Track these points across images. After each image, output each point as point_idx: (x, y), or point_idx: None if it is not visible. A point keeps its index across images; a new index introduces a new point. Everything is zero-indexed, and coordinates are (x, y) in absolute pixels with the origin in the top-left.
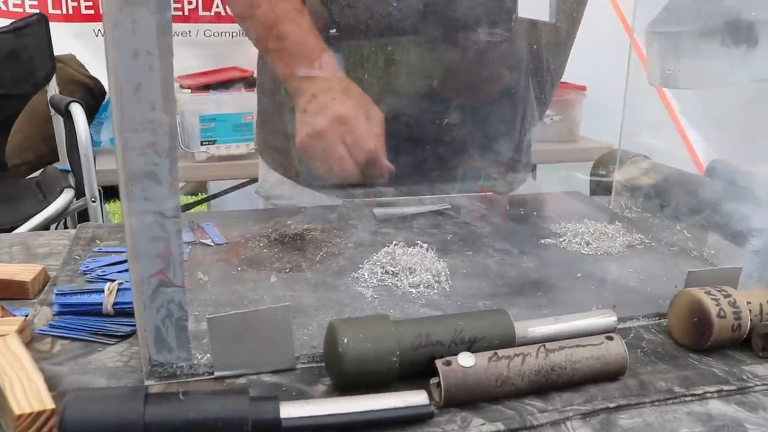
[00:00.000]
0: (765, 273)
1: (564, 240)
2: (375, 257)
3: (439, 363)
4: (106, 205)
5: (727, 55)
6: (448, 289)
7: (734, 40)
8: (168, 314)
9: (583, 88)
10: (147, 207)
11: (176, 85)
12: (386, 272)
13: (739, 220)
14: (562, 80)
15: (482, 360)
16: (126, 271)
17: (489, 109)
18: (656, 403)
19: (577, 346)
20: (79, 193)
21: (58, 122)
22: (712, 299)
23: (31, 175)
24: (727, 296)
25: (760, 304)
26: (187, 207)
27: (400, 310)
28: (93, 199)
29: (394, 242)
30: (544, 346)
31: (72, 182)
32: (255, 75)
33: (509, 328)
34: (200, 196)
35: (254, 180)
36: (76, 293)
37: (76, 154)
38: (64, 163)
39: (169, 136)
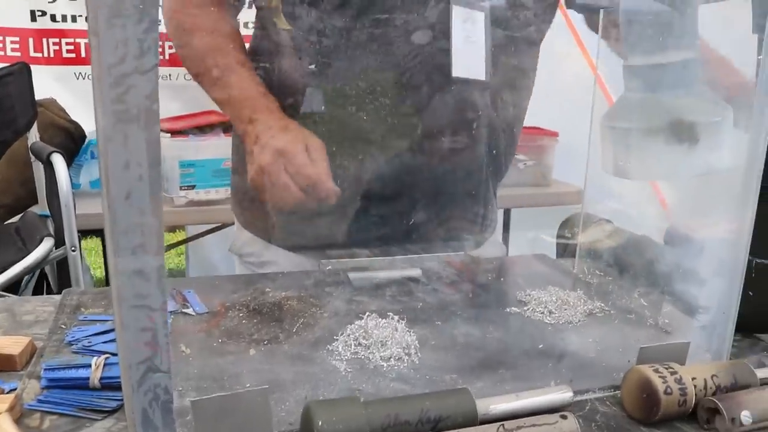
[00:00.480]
0: (712, 345)
1: (528, 309)
2: (349, 329)
3: None
4: (82, 240)
5: (671, 152)
6: (417, 362)
7: (677, 139)
8: (155, 397)
9: (556, 134)
10: (136, 302)
11: None
12: (359, 344)
13: (688, 297)
14: (535, 126)
15: None
16: (112, 341)
17: (457, 169)
18: None
19: (533, 425)
20: (59, 241)
21: (38, 168)
22: (660, 377)
23: (9, 220)
24: (673, 373)
25: (705, 380)
26: (167, 247)
27: (372, 384)
28: (73, 248)
29: (367, 313)
30: (503, 425)
31: (51, 229)
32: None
33: (471, 407)
34: (177, 234)
35: (232, 224)
36: (63, 368)
37: (56, 201)
38: (43, 207)
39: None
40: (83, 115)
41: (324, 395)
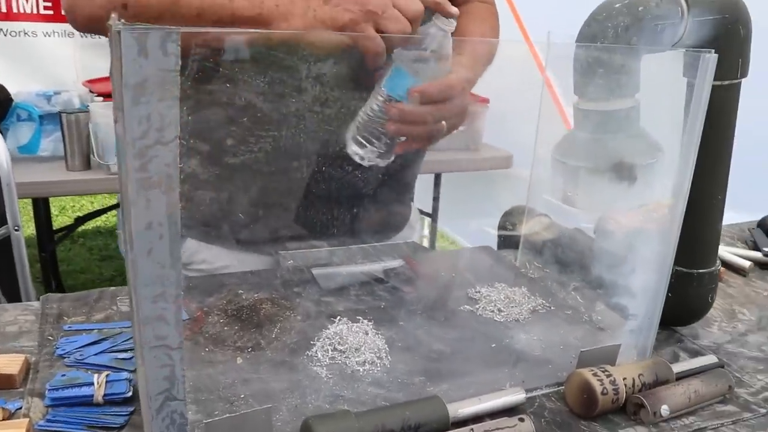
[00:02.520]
0: (639, 343)
1: (479, 307)
2: (324, 334)
3: None
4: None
5: (613, 188)
6: (388, 366)
7: (619, 178)
8: (171, 422)
9: (486, 100)
10: (156, 342)
11: (86, 90)
12: (335, 350)
13: (618, 306)
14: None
15: None
16: (103, 352)
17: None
18: None
19: (497, 429)
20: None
21: None
22: (598, 380)
23: None
24: (609, 376)
25: (633, 379)
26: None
27: (352, 390)
28: (16, 228)
29: (339, 318)
30: (472, 429)
31: None
32: None
33: (444, 412)
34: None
35: None
36: (67, 387)
37: None
38: None
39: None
40: (7, 76)
41: (312, 402)
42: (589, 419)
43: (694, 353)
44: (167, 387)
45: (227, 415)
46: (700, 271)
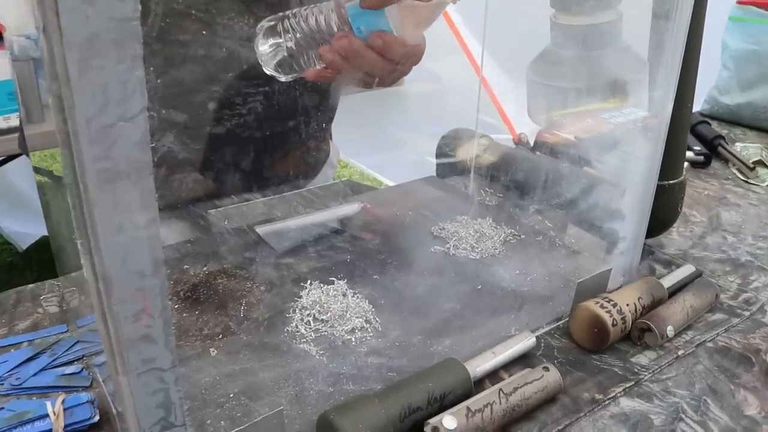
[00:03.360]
0: (626, 265)
1: (450, 245)
2: (299, 303)
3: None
4: None
5: (602, 109)
6: (380, 329)
7: (612, 95)
8: None
9: None
10: (144, 367)
11: None
12: (317, 320)
13: (607, 232)
14: None
15: (461, 418)
16: (43, 370)
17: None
18: (588, 414)
19: (526, 384)
20: None
21: None
22: (606, 312)
23: None
24: (615, 305)
25: (634, 304)
26: None
27: (350, 363)
28: None
29: (309, 282)
30: (501, 390)
31: None
32: None
33: (465, 375)
34: None
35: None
36: (15, 426)
37: None
38: None
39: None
40: None
41: (313, 388)
42: (599, 352)
43: (668, 264)
44: (163, 415)
45: (236, 429)
46: (671, 182)
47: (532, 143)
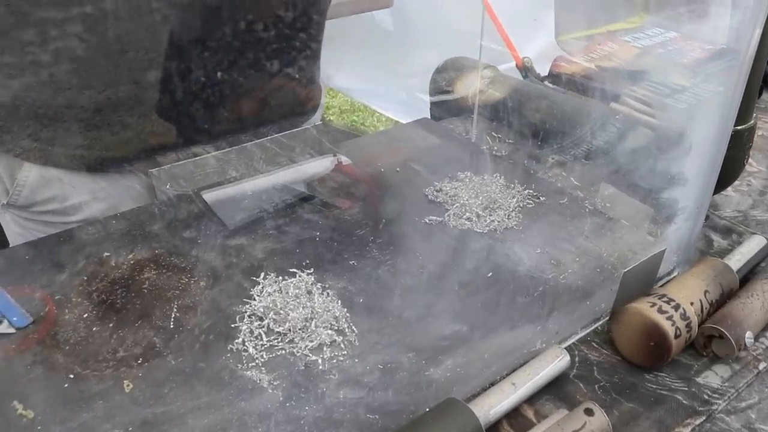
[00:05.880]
0: (682, 243)
1: (450, 215)
2: (249, 307)
3: None
4: None
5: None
6: (357, 344)
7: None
8: None
9: None
10: None
11: None
12: (271, 332)
13: (666, 203)
14: None
15: None
16: None
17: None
18: None
19: None
20: None
21: None
22: (666, 318)
23: None
24: (676, 307)
25: (700, 301)
26: None
27: (315, 398)
28: None
29: (263, 274)
30: None
31: None
32: None
33: (474, 423)
34: None
35: None
36: None
37: None
38: None
39: None
40: None
41: None
42: (655, 369)
43: (727, 232)
44: None
45: None
46: (738, 127)
47: (539, 72)
